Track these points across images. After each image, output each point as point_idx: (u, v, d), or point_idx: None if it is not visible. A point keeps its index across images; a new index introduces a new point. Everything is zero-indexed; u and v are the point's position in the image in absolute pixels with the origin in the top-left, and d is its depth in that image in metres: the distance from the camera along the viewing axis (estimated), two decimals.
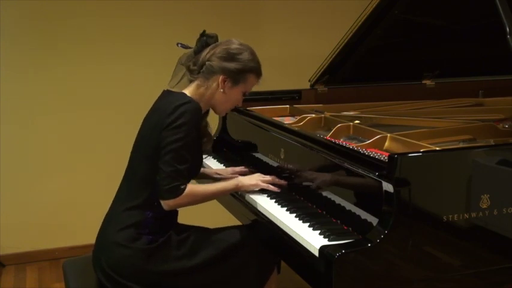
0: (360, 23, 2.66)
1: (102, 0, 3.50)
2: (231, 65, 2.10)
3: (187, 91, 2.14)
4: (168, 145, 1.99)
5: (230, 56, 2.10)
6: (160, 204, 2.04)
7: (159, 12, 3.63)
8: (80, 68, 3.54)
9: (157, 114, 2.09)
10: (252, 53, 2.15)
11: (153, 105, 2.18)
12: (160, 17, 3.64)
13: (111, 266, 2.04)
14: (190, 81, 2.16)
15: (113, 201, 2.18)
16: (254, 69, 2.15)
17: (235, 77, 2.12)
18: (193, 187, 2.05)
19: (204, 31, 2.17)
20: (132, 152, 2.17)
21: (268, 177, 2.24)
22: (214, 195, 2.17)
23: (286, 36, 3.93)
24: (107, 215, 2.17)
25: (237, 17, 3.80)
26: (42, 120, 3.54)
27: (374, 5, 2.59)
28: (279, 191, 2.19)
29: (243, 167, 2.48)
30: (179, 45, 2.21)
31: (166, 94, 2.17)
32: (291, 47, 3.93)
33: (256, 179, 2.22)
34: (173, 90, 2.17)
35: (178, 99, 2.07)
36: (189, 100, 2.06)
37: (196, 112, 2.06)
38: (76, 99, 3.57)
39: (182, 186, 2.00)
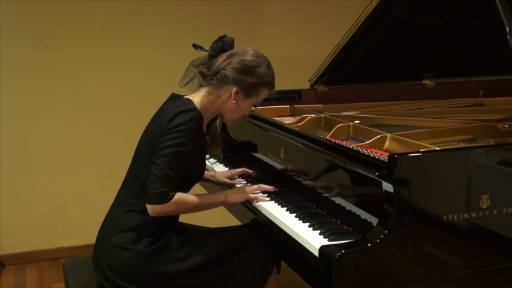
0: (360, 23, 2.65)
1: (102, 0, 3.50)
2: (247, 79, 2.06)
3: (197, 96, 2.11)
4: (162, 149, 1.97)
5: (247, 69, 2.06)
6: None
7: (160, 12, 3.63)
8: (80, 68, 3.55)
9: (160, 118, 2.07)
10: (268, 67, 2.12)
11: (160, 108, 2.16)
12: (161, 17, 3.64)
13: (111, 268, 2.03)
14: (201, 86, 2.13)
15: (113, 202, 2.17)
16: (268, 83, 2.13)
17: (249, 90, 2.09)
18: (182, 196, 2.01)
19: (224, 36, 2.13)
20: (135, 155, 2.16)
21: (254, 186, 2.21)
22: (202, 207, 2.12)
23: (286, 36, 3.93)
24: (106, 216, 2.16)
25: (237, 17, 3.80)
26: (42, 120, 3.54)
27: (374, 5, 2.59)
28: (268, 200, 2.17)
29: (243, 168, 2.47)
30: (198, 48, 2.17)
31: (173, 98, 2.15)
32: (291, 47, 3.93)
33: (243, 192, 2.19)
34: (180, 94, 2.14)
35: (181, 105, 2.04)
36: (191, 108, 2.02)
37: (195, 121, 2.02)
38: (76, 99, 3.57)
39: (171, 193, 1.97)
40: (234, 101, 2.09)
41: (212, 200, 2.17)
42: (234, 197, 2.18)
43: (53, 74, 3.51)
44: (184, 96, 2.13)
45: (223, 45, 2.10)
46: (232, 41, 2.12)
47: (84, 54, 3.54)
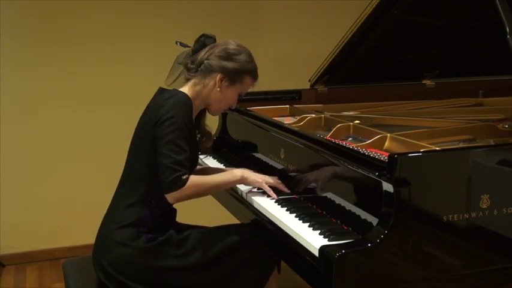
0: (360, 23, 2.66)
1: (102, 0, 3.50)
2: (229, 64, 2.12)
3: (183, 88, 2.15)
4: (163, 138, 2.00)
5: (228, 56, 2.13)
6: (158, 202, 2.05)
7: (160, 12, 3.63)
8: (80, 68, 3.55)
9: (149, 111, 2.13)
10: (250, 55, 2.18)
11: (148, 103, 2.19)
12: (161, 17, 3.64)
13: (111, 264, 2.04)
14: (187, 80, 2.18)
15: (112, 198, 2.19)
16: (251, 71, 2.18)
17: (233, 76, 2.14)
18: (196, 177, 2.05)
19: (204, 33, 2.19)
20: (129, 150, 2.19)
21: (272, 181, 2.22)
22: (218, 186, 2.17)
23: (286, 36, 3.93)
24: (106, 212, 2.18)
25: (237, 17, 3.80)
26: (42, 120, 3.54)
27: (374, 5, 2.59)
28: (277, 198, 2.17)
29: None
30: (178, 43, 2.23)
31: (159, 92, 2.19)
32: (291, 47, 3.93)
33: (261, 177, 2.21)
34: (167, 88, 2.18)
35: (169, 94, 2.10)
36: (176, 93, 2.09)
37: (184, 102, 2.07)
38: (76, 100, 3.57)
39: (184, 177, 1.99)
40: (218, 89, 2.14)
41: (228, 179, 2.18)
42: (252, 176, 2.20)
43: (53, 74, 3.51)
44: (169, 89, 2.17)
45: (205, 40, 2.18)
46: (214, 37, 2.19)
47: (84, 54, 3.54)
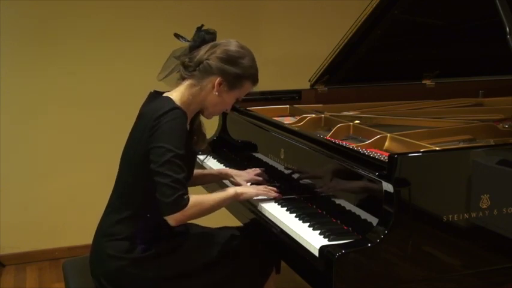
0: (360, 23, 2.66)
1: (102, 0, 3.51)
2: (231, 69, 2.01)
3: (177, 91, 2.04)
4: (160, 157, 1.87)
5: (231, 59, 2.01)
6: (152, 215, 1.97)
7: (160, 12, 3.63)
8: (80, 68, 3.55)
9: (142, 121, 1.99)
10: (253, 59, 2.06)
11: (140, 108, 2.09)
12: (161, 17, 3.64)
13: (107, 278, 2.00)
14: (183, 79, 2.06)
15: (105, 211, 2.10)
16: (252, 76, 2.07)
17: (233, 81, 2.03)
18: (197, 197, 1.94)
19: (202, 25, 2.07)
20: (121, 162, 2.10)
21: (265, 188, 2.18)
22: (218, 205, 2.04)
23: (286, 36, 3.93)
24: (99, 224, 2.10)
25: (237, 17, 3.80)
26: (43, 120, 3.54)
27: (374, 5, 2.59)
28: (277, 195, 2.16)
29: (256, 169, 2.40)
30: (180, 38, 2.11)
31: (152, 97, 2.08)
32: (291, 47, 3.94)
33: (257, 188, 2.16)
34: (161, 91, 2.07)
35: (162, 106, 1.95)
36: (172, 107, 1.95)
37: (180, 120, 1.94)
38: (76, 100, 3.57)
39: (185, 196, 1.88)
40: (216, 93, 2.03)
41: (224, 196, 2.06)
42: (246, 190, 2.13)
43: (53, 74, 3.51)
44: (164, 94, 2.06)
45: (205, 35, 2.05)
46: (215, 33, 2.07)
47: (84, 54, 3.54)
